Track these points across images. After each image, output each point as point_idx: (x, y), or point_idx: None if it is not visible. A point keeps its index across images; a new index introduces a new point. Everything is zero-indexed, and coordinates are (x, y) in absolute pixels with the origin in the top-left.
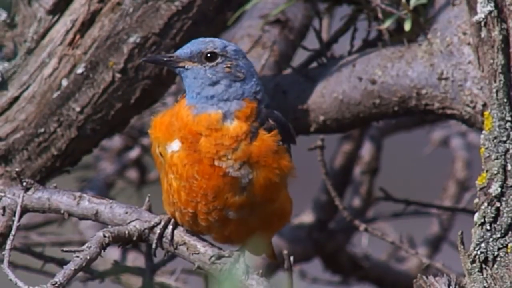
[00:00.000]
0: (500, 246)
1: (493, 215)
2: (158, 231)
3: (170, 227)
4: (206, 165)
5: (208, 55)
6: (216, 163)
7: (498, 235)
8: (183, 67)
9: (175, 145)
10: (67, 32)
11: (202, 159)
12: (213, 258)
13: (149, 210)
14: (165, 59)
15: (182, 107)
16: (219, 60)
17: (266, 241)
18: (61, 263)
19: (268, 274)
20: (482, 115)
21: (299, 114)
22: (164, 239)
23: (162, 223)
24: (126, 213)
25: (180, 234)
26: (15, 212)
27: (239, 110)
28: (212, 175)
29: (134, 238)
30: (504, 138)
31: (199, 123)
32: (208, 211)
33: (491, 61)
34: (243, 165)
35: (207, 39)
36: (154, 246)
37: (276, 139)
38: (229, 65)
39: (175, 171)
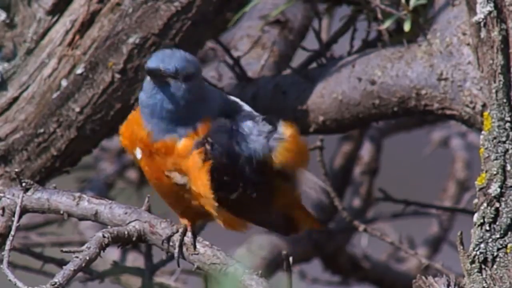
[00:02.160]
0: (500, 247)
1: (492, 216)
2: (177, 242)
3: (189, 234)
4: (162, 174)
5: (188, 74)
6: (166, 173)
7: (498, 236)
8: (167, 83)
9: (138, 153)
10: (67, 32)
11: (154, 168)
12: (212, 266)
13: (149, 210)
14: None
15: (140, 127)
16: (195, 80)
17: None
18: (61, 263)
19: (267, 275)
20: (482, 115)
21: (299, 114)
22: (171, 243)
23: (180, 230)
24: (126, 213)
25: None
26: (14, 213)
27: (193, 132)
28: (167, 182)
29: (134, 239)
30: (504, 139)
31: (157, 149)
32: (183, 210)
33: (491, 61)
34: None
35: (182, 55)
36: (176, 255)
37: (202, 156)
38: (199, 86)
39: (146, 175)
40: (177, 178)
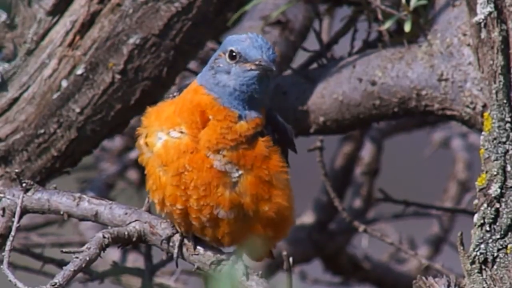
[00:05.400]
0: (500, 247)
1: (492, 216)
2: (177, 242)
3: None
4: (200, 154)
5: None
6: (207, 153)
7: (498, 236)
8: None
9: (174, 132)
10: (67, 33)
11: (198, 148)
12: (213, 266)
13: (149, 211)
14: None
15: (203, 95)
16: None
17: (265, 248)
18: (61, 264)
19: (267, 275)
20: (482, 116)
21: (299, 115)
22: (171, 243)
23: (179, 232)
24: (126, 214)
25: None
26: (14, 213)
27: (253, 119)
28: (202, 166)
29: (134, 239)
30: (504, 139)
31: (218, 112)
32: (199, 207)
33: (491, 62)
34: (230, 162)
35: (269, 44)
36: (175, 256)
37: (268, 144)
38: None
39: (165, 161)
40: (220, 161)
